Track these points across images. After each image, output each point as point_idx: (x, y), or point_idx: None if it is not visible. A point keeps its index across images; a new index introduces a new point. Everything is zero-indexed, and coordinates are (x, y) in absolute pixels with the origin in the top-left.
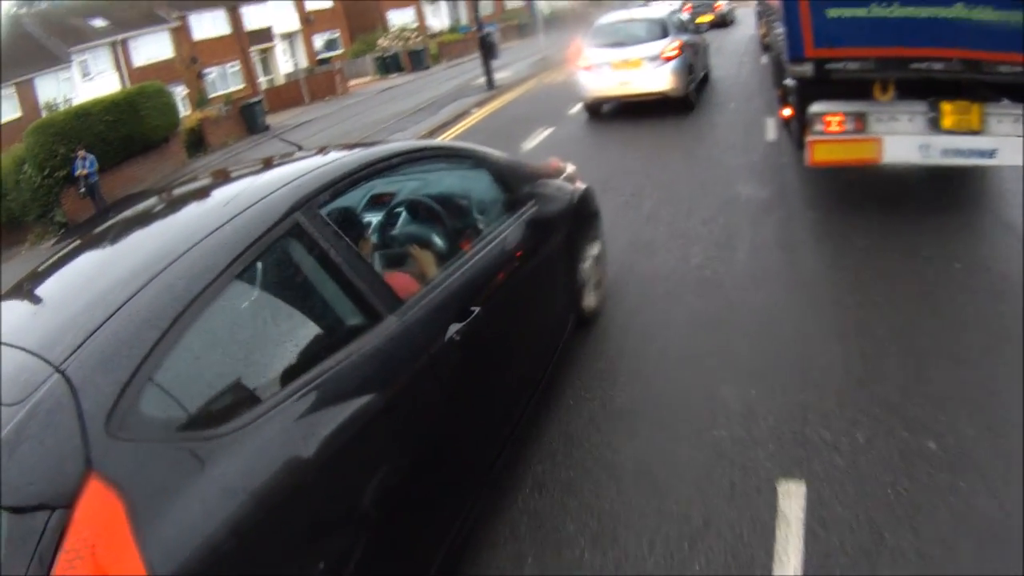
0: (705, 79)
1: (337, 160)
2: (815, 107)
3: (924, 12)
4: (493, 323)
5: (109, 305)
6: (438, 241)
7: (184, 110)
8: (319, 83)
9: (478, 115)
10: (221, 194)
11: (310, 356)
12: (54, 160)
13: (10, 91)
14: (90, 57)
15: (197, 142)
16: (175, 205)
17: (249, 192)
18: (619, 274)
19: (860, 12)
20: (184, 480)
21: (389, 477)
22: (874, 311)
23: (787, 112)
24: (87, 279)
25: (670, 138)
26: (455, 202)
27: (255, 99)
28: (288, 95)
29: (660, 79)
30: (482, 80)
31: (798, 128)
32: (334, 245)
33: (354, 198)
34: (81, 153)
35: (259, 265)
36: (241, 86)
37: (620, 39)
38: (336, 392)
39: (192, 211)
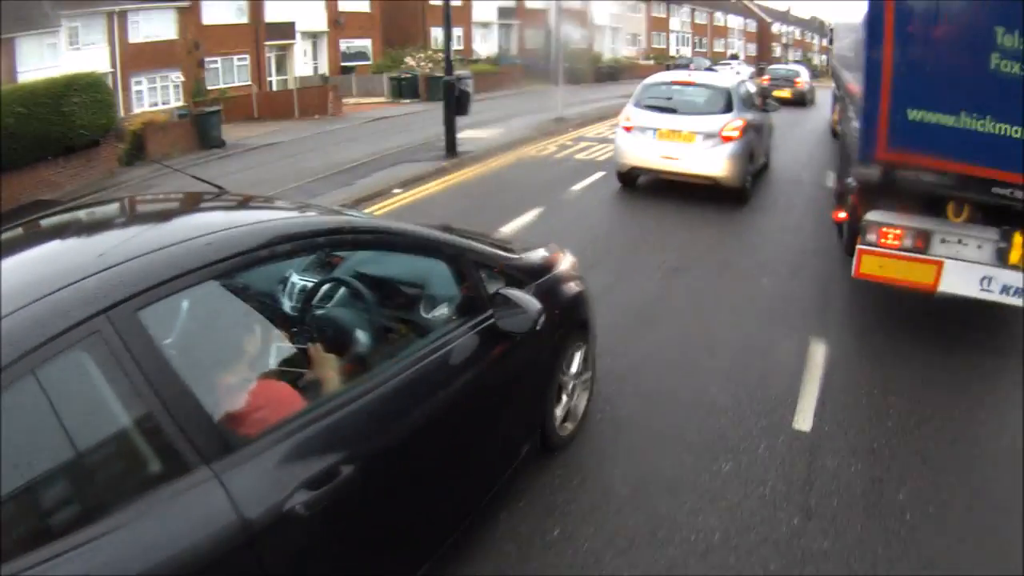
0: (765, 167)
1: (221, 233)
2: (873, 215)
3: (1020, 133)
4: (377, 482)
5: None
6: (360, 341)
7: (177, 100)
8: (311, 98)
9: (394, 201)
10: (33, 265)
11: (53, 524)
12: None
13: None
14: (82, 24)
15: (138, 149)
16: None
17: (60, 270)
18: None
19: (947, 120)
20: None
21: None
22: None
23: (842, 215)
24: None
25: None
26: (397, 291)
27: (212, 108)
28: (280, 104)
29: (714, 162)
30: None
31: (850, 234)
32: (142, 365)
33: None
34: None
35: (25, 387)
36: (247, 82)
37: (674, 104)
38: None
39: None
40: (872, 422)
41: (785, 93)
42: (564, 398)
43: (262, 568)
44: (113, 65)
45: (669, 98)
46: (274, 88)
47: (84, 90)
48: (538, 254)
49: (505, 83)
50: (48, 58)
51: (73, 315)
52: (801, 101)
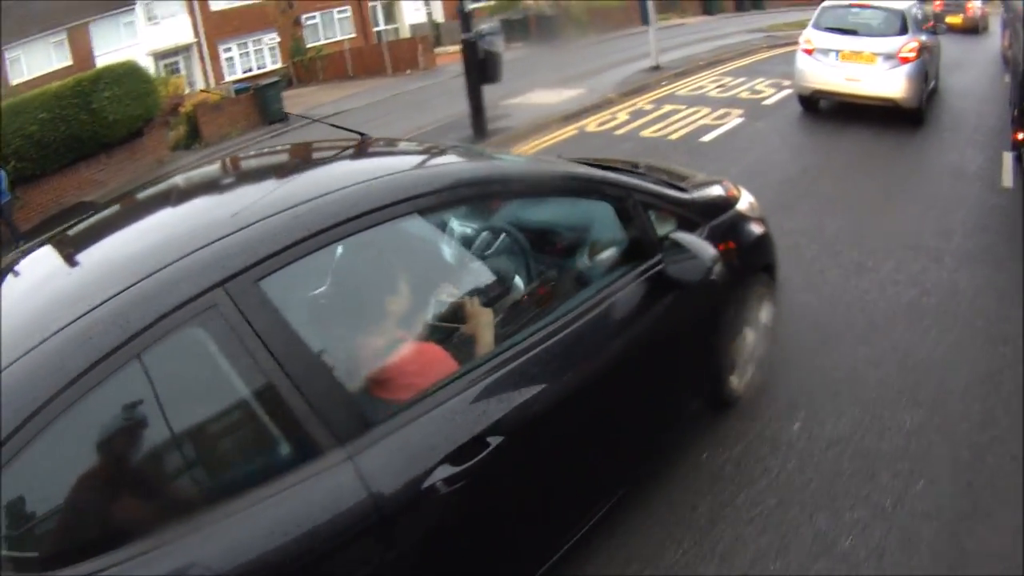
0: (934, 90)
1: (340, 192)
2: None
3: None
4: (528, 454)
5: None
6: (514, 294)
7: (274, 62)
8: (402, 52)
9: None
10: (130, 241)
11: (163, 510)
12: None
13: (61, 37)
14: None
15: (192, 133)
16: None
17: (164, 247)
18: None
19: None
20: None
21: None
22: None
23: (1022, 136)
24: None
25: None
26: (560, 236)
27: (271, 80)
28: (373, 60)
29: (893, 83)
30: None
31: None
32: (267, 339)
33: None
34: None
35: (136, 369)
36: (351, 35)
37: (852, 26)
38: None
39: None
40: None
41: (957, 20)
42: (742, 350)
43: (398, 553)
44: (196, 35)
45: (848, 19)
46: (383, 40)
47: (116, 82)
48: (714, 191)
49: (630, 19)
50: (126, 37)
51: (193, 285)
52: (974, 28)
